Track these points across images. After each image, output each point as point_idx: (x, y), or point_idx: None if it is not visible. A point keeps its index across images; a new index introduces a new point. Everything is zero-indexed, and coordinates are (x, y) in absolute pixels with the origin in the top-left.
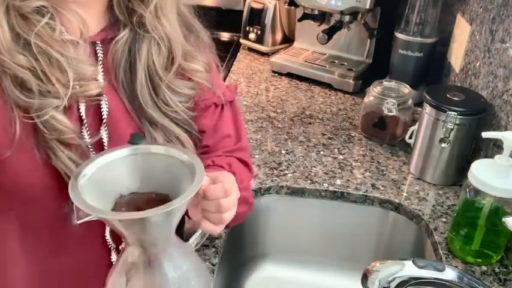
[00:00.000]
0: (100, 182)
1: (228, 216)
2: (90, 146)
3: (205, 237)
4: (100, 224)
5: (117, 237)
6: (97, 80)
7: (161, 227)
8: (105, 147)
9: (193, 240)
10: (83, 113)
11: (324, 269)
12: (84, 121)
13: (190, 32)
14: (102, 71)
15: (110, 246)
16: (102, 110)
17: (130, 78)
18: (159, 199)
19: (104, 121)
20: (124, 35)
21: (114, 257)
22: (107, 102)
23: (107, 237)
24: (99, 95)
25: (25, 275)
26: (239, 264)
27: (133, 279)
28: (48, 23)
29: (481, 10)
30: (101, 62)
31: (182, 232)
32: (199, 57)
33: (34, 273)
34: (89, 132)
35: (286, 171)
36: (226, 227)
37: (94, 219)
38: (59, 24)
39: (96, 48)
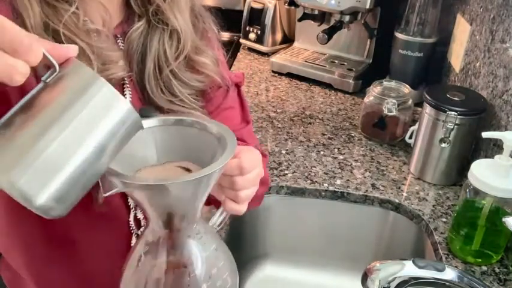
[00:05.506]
0: (122, 153)
1: (245, 194)
2: None
3: (225, 218)
4: (125, 208)
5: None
6: (121, 64)
7: (191, 198)
8: None
9: (214, 220)
10: None
11: (324, 269)
12: None
13: (200, 28)
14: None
15: (132, 231)
16: (125, 94)
17: (141, 68)
18: (187, 169)
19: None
20: (139, 26)
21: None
22: (129, 88)
23: (130, 222)
24: (123, 78)
25: (50, 253)
26: (239, 264)
27: (158, 259)
28: (74, 12)
29: (481, 10)
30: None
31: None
32: (209, 51)
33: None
34: None
35: (286, 171)
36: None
37: (121, 191)
38: (82, 14)
39: (118, 41)
